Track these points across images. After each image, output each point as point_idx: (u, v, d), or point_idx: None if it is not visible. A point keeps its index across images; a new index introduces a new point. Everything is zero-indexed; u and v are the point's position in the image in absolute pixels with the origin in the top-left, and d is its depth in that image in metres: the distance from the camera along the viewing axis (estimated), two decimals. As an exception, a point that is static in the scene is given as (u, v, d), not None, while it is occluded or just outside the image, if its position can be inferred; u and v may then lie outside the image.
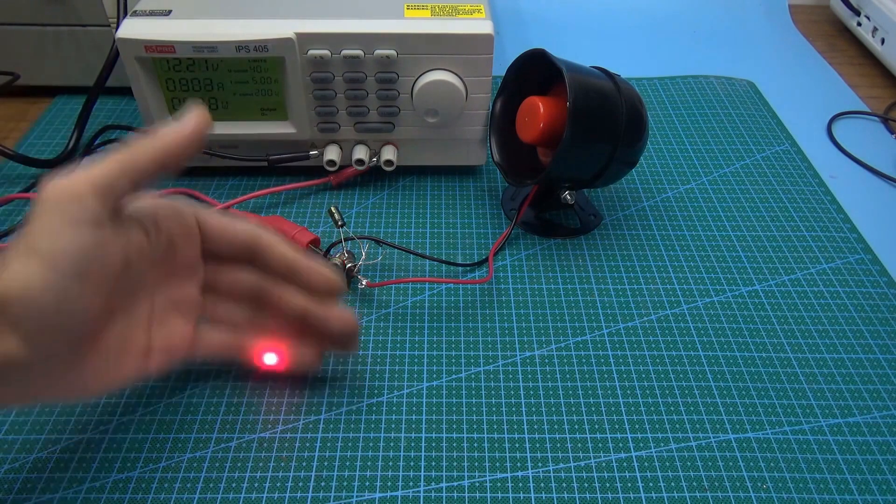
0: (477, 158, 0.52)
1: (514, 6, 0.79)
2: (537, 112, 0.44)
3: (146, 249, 0.30)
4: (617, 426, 0.37)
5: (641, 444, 0.36)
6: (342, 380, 0.39)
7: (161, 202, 0.32)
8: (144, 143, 0.29)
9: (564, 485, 0.34)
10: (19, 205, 0.50)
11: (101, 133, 0.54)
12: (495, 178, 0.54)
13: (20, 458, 0.35)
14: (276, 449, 0.36)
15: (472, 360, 0.40)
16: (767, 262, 0.47)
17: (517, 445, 0.36)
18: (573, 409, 0.38)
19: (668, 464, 0.35)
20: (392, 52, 0.45)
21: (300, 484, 0.34)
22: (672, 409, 0.38)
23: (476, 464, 0.35)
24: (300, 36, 0.44)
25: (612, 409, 0.38)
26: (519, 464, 0.35)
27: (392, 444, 0.36)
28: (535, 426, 0.37)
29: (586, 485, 0.34)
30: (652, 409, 0.38)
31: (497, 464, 0.35)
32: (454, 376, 0.39)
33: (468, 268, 0.46)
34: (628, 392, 0.39)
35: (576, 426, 0.37)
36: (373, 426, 0.37)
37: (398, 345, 0.41)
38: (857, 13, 0.73)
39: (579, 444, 0.36)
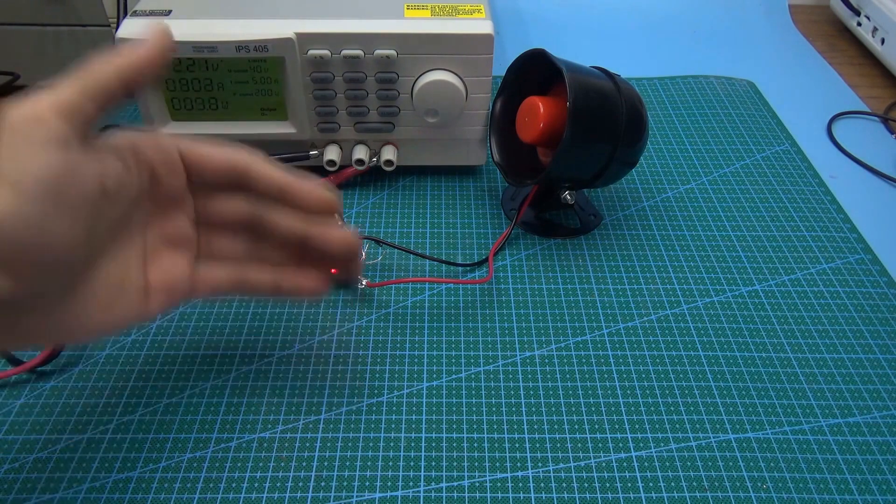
0: (477, 158, 0.53)
1: (514, 6, 0.79)
2: (537, 112, 0.44)
3: (126, 179, 0.29)
4: (617, 426, 0.37)
5: (641, 444, 0.36)
6: (342, 380, 0.39)
7: (138, 133, 0.31)
8: (106, 61, 0.28)
9: (564, 485, 0.34)
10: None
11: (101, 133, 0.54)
12: (495, 178, 0.54)
13: (20, 458, 0.35)
14: (276, 449, 0.36)
15: (472, 360, 0.40)
16: (767, 262, 0.47)
17: (517, 445, 0.36)
18: (573, 409, 0.38)
19: (668, 464, 0.35)
20: (392, 52, 0.45)
21: (300, 484, 0.34)
22: (672, 409, 0.38)
23: (476, 464, 0.35)
24: (300, 36, 0.44)
25: (612, 409, 0.38)
26: (519, 464, 0.35)
27: (392, 444, 0.36)
28: (535, 426, 0.37)
29: (586, 485, 0.34)
30: (652, 409, 0.38)
31: (497, 464, 0.35)
32: (454, 376, 0.39)
33: (468, 268, 0.46)
34: (628, 392, 0.39)
35: (576, 426, 0.37)
36: (373, 426, 0.37)
37: (398, 345, 0.41)
38: (857, 13, 0.73)
39: (579, 444, 0.36)
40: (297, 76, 0.46)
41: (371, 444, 0.36)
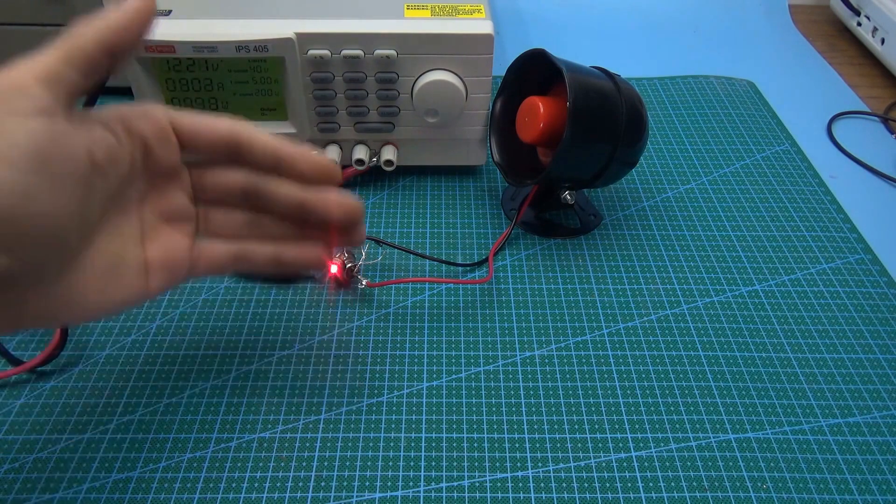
0: (477, 158, 0.53)
1: (514, 6, 0.79)
2: (537, 112, 0.44)
3: (117, 152, 0.29)
4: (617, 426, 0.37)
5: (641, 444, 0.36)
6: (342, 380, 0.39)
7: (128, 105, 0.30)
8: (85, 27, 0.27)
9: (564, 485, 0.34)
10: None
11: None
12: (495, 178, 0.54)
13: (20, 458, 0.35)
14: (276, 449, 0.36)
15: (472, 360, 0.40)
16: (767, 262, 0.47)
17: (517, 445, 0.36)
18: (573, 409, 0.38)
19: (668, 464, 0.35)
20: (392, 52, 0.45)
21: (300, 484, 0.34)
22: (672, 409, 0.38)
23: (476, 464, 0.35)
24: (300, 36, 0.44)
25: (612, 409, 0.38)
26: (519, 464, 0.35)
27: (392, 444, 0.36)
28: (535, 426, 0.37)
29: (586, 485, 0.34)
30: (652, 409, 0.38)
31: (497, 464, 0.35)
32: (454, 376, 0.39)
33: (468, 268, 0.46)
34: (628, 392, 0.39)
35: (576, 426, 0.37)
36: (373, 426, 0.37)
37: (398, 345, 0.41)
38: (857, 13, 0.73)
39: (579, 444, 0.36)
40: (297, 76, 0.46)
41: (371, 444, 0.36)
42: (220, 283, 0.44)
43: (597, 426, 0.37)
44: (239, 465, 0.35)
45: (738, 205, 0.52)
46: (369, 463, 0.35)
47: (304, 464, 0.35)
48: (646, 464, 0.35)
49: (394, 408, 0.38)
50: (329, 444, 0.36)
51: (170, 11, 0.46)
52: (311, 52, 0.45)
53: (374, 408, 0.38)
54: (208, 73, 0.46)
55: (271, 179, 0.32)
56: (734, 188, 0.53)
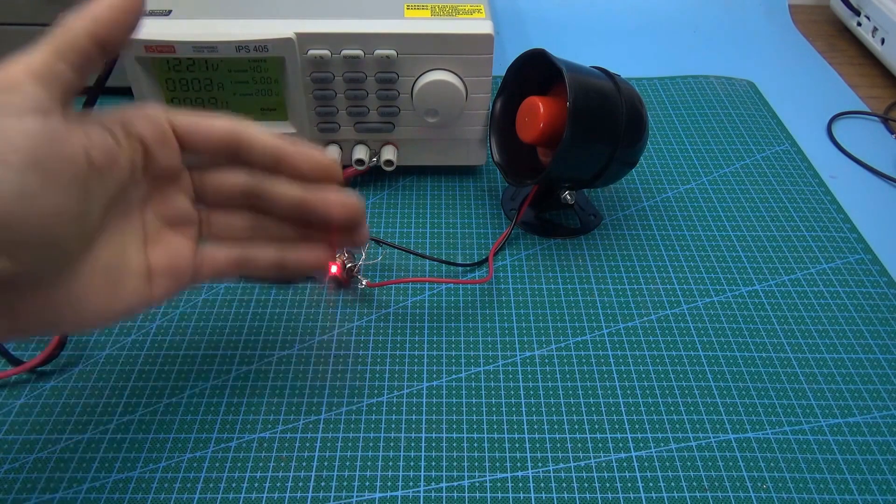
0: (477, 158, 0.53)
1: (514, 6, 0.79)
2: (537, 112, 0.44)
3: (115, 153, 0.28)
4: (617, 426, 0.37)
5: (641, 444, 0.36)
6: (342, 380, 0.39)
7: (126, 106, 0.30)
8: (74, 20, 0.27)
9: (564, 485, 0.34)
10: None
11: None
12: (495, 178, 0.54)
13: (20, 458, 0.35)
14: (276, 449, 0.36)
15: (472, 360, 0.40)
16: (767, 262, 0.47)
17: (517, 445, 0.36)
18: (573, 409, 0.38)
19: (668, 464, 0.35)
20: (392, 52, 0.45)
21: (300, 484, 0.34)
22: (672, 409, 0.38)
23: (476, 464, 0.35)
24: (300, 36, 0.44)
25: (612, 409, 0.38)
26: (519, 464, 0.35)
27: (392, 444, 0.36)
28: (535, 426, 0.37)
29: (586, 485, 0.34)
30: (652, 409, 0.38)
31: (497, 464, 0.35)
32: (454, 376, 0.39)
33: (468, 268, 0.46)
34: (628, 392, 0.39)
35: (576, 426, 0.37)
36: (373, 426, 0.37)
37: (398, 345, 0.41)
38: (857, 13, 0.73)
39: (579, 444, 0.36)
40: (297, 76, 0.46)
41: (371, 444, 0.36)
42: (221, 283, 0.44)
43: (597, 426, 0.37)
44: (239, 465, 0.35)
45: (738, 205, 0.52)
46: (369, 463, 0.35)
47: (304, 464, 0.35)
48: (646, 464, 0.35)
49: (394, 408, 0.38)
50: (329, 444, 0.36)
51: (170, 11, 0.46)
52: (311, 52, 0.45)
53: (374, 408, 0.38)
54: (208, 73, 0.46)
55: (272, 180, 0.32)
56: (734, 188, 0.53)
